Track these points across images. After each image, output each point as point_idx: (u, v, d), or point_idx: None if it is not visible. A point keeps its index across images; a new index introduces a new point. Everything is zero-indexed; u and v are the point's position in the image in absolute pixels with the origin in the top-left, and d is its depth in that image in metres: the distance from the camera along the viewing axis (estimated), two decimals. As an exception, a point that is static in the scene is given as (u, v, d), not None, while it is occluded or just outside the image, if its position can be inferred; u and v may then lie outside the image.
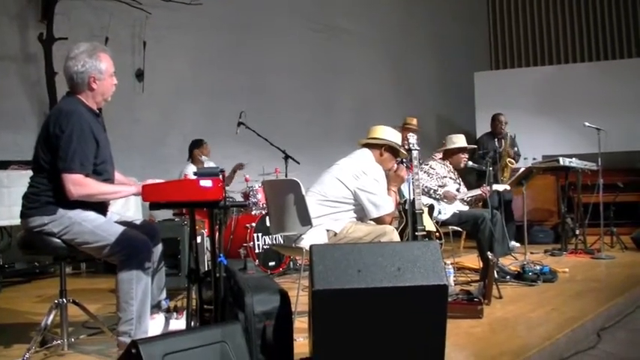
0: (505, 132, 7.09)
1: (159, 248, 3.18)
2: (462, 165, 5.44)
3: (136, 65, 7.44)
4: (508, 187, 5.80)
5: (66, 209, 2.85)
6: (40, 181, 2.90)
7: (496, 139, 7.19)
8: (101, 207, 3.00)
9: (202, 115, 8.00)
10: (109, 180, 3.01)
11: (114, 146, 3.15)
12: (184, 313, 3.12)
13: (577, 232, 6.65)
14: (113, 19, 7.04)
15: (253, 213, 5.93)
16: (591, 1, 11.15)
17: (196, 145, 7.13)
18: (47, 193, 2.87)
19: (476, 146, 6.61)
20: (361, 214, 3.88)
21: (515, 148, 7.15)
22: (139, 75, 7.44)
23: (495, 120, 7.30)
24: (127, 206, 5.66)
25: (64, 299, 3.07)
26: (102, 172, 2.95)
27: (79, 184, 2.79)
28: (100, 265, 6.09)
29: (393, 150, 4.05)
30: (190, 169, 6.75)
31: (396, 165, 4.07)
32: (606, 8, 11.07)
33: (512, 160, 6.97)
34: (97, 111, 3.06)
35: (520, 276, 4.76)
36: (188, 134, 7.29)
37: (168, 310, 3.29)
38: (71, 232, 2.86)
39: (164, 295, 3.28)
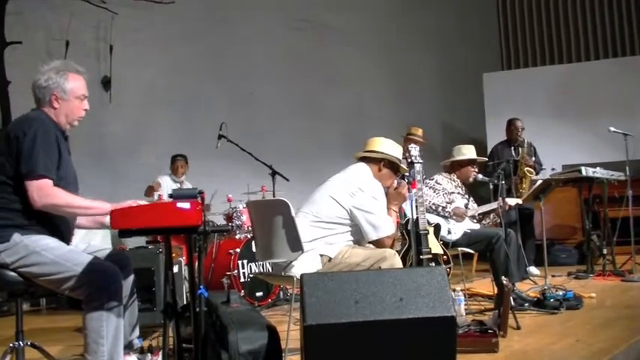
0: (522, 139, 7.16)
1: (130, 280, 3.18)
2: (472, 179, 5.48)
3: (102, 72, 7.48)
4: (520, 202, 5.83)
5: (22, 235, 2.84)
6: None
7: (512, 148, 7.26)
8: (64, 233, 3.00)
9: (178, 128, 8.03)
10: None
11: (78, 163, 3.16)
12: (160, 353, 3.11)
13: (604, 251, 6.65)
14: (74, 20, 7.08)
15: (237, 237, 5.93)
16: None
17: (171, 162, 7.20)
18: None
19: (486, 159, 6.64)
20: (358, 237, 3.89)
21: (534, 158, 7.21)
22: (106, 83, 7.48)
23: (511, 126, 7.37)
24: (92, 233, 5.65)
25: (21, 342, 3.03)
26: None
27: (43, 190, 2.80)
28: (62, 299, 6.06)
29: (393, 165, 4.08)
30: (165, 181, 6.83)
31: (396, 182, 4.10)
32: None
33: (531, 169, 7.03)
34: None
35: (540, 303, 4.77)
36: (162, 149, 7.31)
37: (141, 351, 3.29)
38: (28, 262, 2.84)
39: (137, 333, 3.28)
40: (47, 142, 2.87)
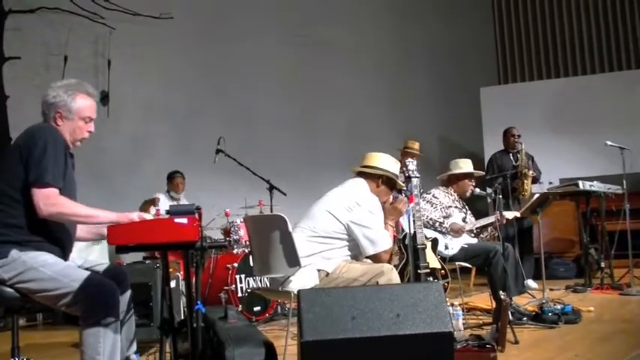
0: (520, 144, 7.22)
1: (127, 295, 3.18)
2: (469, 193, 5.50)
3: (100, 87, 7.49)
4: (518, 214, 5.84)
5: (20, 251, 2.84)
6: None
7: (511, 154, 7.31)
8: (63, 249, 3.01)
9: (176, 142, 8.05)
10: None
11: (76, 177, 3.17)
12: (157, 369, 3.11)
13: (602, 264, 6.64)
14: (73, 35, 7.12)
15: (235, 252, 5.93)
16: (610, 5, 11.26)
17: (168, 178, 7.19)
18: None
19: (483, 172, 6.66)
20: (356, 251, 3.89)
21: (531, 171, 7.24)
22: (104, 98, 7.49)
23: (507, 134, 7.48)
24: (89, 248, 5.65)
25: (17, 358, 3.02)
26: None
27: (50, 199, 2.81)
28: (59, 315, 6.05)
29: (390, 182, 4.09)
30: (162, 199, 6.82)
31: (392, 197, 4.10)
32: (628, 11, 11.17)
33: (532, 172, 7.08)
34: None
35: (538, 317, 4.77)
36: (160, 163, 7.31)
37: (138, 366, 3.28)
38: (26, 278, 2.84)
39: (134, 348, 3.27)
40: (57, 151, 2.89)
